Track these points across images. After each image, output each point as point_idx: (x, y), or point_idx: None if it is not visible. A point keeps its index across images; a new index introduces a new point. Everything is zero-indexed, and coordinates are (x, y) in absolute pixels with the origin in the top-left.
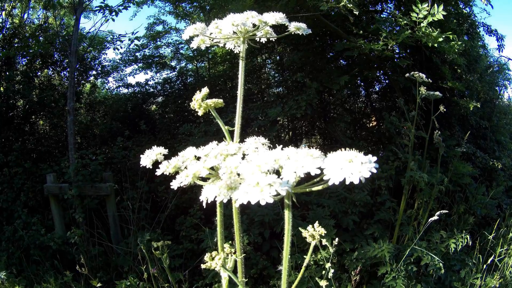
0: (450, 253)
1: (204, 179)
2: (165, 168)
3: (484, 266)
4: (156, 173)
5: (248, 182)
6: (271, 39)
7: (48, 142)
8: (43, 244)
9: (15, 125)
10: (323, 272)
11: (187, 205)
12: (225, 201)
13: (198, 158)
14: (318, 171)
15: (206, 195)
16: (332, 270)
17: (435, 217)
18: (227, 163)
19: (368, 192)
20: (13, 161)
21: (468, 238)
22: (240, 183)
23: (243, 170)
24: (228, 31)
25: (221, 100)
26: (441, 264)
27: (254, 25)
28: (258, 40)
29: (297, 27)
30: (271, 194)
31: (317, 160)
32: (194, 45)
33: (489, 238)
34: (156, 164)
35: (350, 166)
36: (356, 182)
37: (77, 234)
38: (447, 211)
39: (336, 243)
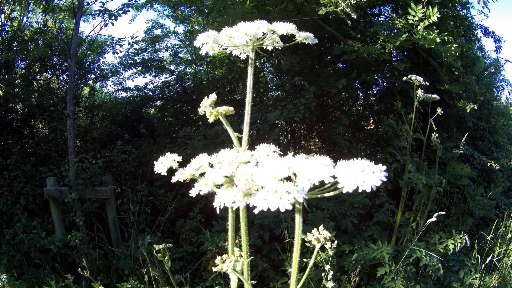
0: (449, 254)
1: (217, 186)
2: (180, 175)
3: (483, 266)
4: (171, 180)
5: (266, 189)
6: (277, 47)
7: (48, 146)
8: (43, 247)
9: (15, 129)
10: (323, 274)
11: (187, 208)
12: (241, 207)
13: (211, 165)
14: (332, 179)
15: (221, 202)
16: (331, 272)
17: (433, 219)
18: (243, 170)
19: (367, 194)
20: (12, 164)
21: (467, 238)
22: (256, 190)
23: (258, 177)
24: (239, 40)
25: (232, 108)
26: (439, 265)
27: (263, 34)
28: (265, 48)
29: (305, 37)
30: (290, 201)
31: (328, 167)
32: (203, 51)
33: (487, 238)
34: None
35: (363, 175)
36: (368, 190)
37: (78, 238)
38: (445, 213)
39: (335, 245)
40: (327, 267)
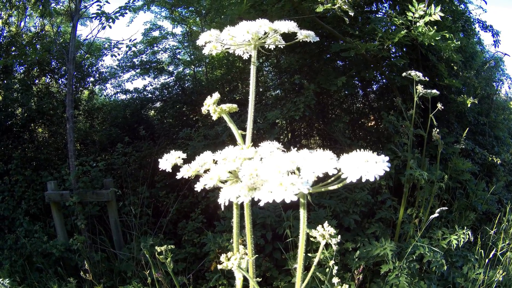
0: (452, 250)
1: (222, 181)
2: (185, 171)
3: (486, 261)
4: (176, 177)
5: (271, 182)
6: (279, 46)
7: (48, 150)
8: (45, 251)
9: (14, 133)
10: (327, 270)
11: (189, 209)
12: (246, 201)
13: (215, 162)
14: (335, 171)
15: (226, 197)
16: (336, 267)
17: (436, 214)
18: (248, 166)
19: (369, 191)
20: (13, 169)
21: (470, 234)
22: (261, 184)
23: (263, 172)
24: (241, 38)
25: (235, 105)
26: (443, 261)
27: (264, 32)
28: (267, 47)
29: (306, 35)
30: (294, 192)
31: (332, 160)
32: (206, 50)
33: (490, 233)
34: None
35: (366, 165)
36: (371, 179)
37: (80, 241)
38: (447, 208)
39: (338, 242)
40: (331, 262)
